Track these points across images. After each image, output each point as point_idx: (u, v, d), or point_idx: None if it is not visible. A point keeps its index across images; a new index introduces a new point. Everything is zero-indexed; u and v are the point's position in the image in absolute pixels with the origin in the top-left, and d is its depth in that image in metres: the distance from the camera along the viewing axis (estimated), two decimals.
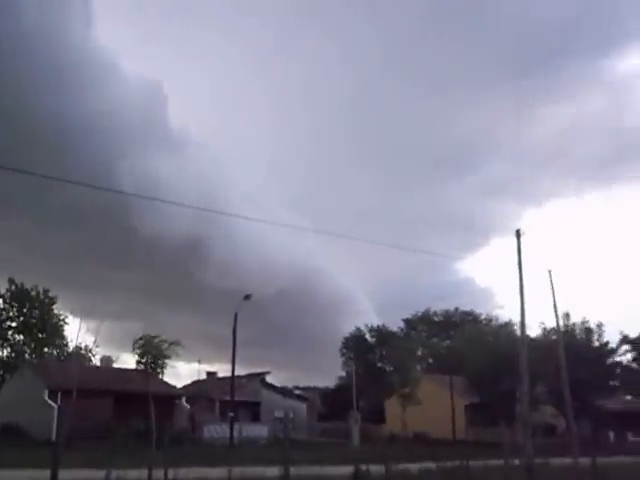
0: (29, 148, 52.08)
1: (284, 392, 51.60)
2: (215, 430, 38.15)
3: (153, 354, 33.95)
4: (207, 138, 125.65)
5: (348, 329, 60.63)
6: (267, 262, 66.72)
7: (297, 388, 61.05)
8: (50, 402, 33.98)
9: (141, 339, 34.19)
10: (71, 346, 47.65)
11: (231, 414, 35.77)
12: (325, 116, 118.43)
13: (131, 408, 34.72)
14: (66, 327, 49.66)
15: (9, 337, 47.85)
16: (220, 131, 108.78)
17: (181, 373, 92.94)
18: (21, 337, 48.17)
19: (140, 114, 69.27)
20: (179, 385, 46.38)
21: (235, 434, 35.43)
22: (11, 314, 48.31)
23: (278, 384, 53.18)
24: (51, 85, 59.08)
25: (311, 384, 70.78)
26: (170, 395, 39.92)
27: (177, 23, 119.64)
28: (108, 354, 44.82)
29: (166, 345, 33.97)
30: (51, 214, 65.71)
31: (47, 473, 9.67)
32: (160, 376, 37.47)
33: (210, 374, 54.09)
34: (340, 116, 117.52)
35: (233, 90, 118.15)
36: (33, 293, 48.57)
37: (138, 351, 34.20)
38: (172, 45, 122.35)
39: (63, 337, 49.34)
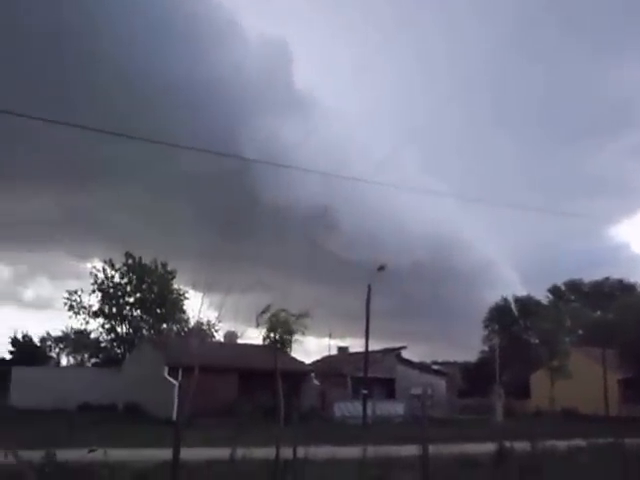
0: (146, 115, 54.46)
1: (421, 367, 51.20)
2: (347, 408, 38.62)
3: (280, 329, 34.22)
4: (335, 101, 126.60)
5: (490, 300, 59.11)
6: (402, 231, 67.36)
7: (435, 363, 60.66)
8: (170, 379, 35.24)
9: (265, 312, 34.52)
10: (192, 321, 49.33)
11: (364, 391, 35.86)
12: (465, 78, 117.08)
13: (257, 385, 35.79)
14: (186, 302, 51.64)
15: (127, 313, 50.00)
16: (349, 94, 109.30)
17: (310, 348, 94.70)
18: (139, 313, 50.27)
19: (263, 75, 71.14)
20: (308, 361, 47.22)
21: (368, 412, 35.43)
22: (129, 289, 50.39)
23: (415, 359, 52.88)
24: (168, 48, 61.51)
25: (450, 359, 70.32)
26: (299, 371, 40.88)
27: None
28: (232, 329, 45.99)
29: (294, 319, 34.13)
30: (170, 183, 68.94)
31: (169, 452, 9.75)
32: (288, 351, 37.91)
33: (341, 349, 55.07)
34: (482, 77, 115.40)
35: (363, 50, 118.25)
36: (151, 267, 50.41)
37: (264, 326, 34.58)
38: (296, 5, 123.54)
39: (183, 312, 51.17)
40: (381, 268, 36.20)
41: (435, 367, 56.22)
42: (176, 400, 34.17)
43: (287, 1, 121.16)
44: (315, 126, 76.67)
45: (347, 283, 57.20)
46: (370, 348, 37.86)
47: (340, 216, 65.35)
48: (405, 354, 50.92)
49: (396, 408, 41.58)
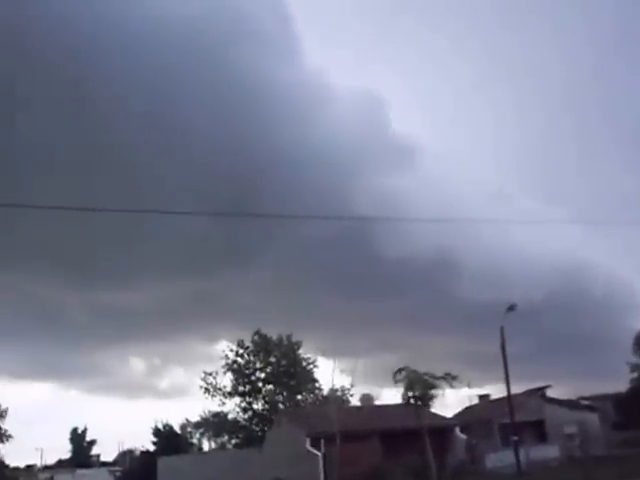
0: (256, 186, 56.18)
1: (570, 405, 48.64)
2: (498, 458, 37.12)
3: (419, 386, 33.84)
4: (438, 143, 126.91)
5: (634, 324, 55.78)
6: (528, 265, 65.69)
7: (583, 398, 57.15)
8: (314, 451, 35.02)
9: (402, 371, 34.29)
10: (325, 389, 49.27)
11: (514, 437, 34.41)
12: (561, 98, 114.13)
13: (401, 446, 34.99)
14: (317, 370, 51.88)
15: (260, 389, 50.54)
16: (449, 133, 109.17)
17: (448, 401, 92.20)
18: (271, 387, 50.70)
19: (363, 129, 71.56)
20: (449, 414, 45.65)
21: (521, 459, 33.85)
22: (258, 365, 51.09)
23: (561, 397, 50.24)
24: (268, 118, 63.63)
25: (598, 392, 66.03)
26: (442, 426, 39.76)
27: (372, 27, 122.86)
28: (367, 392, 45.66)
29: (434, 380, 33.82)
30: (291, 253, 70.10)
31: None
32: (428, 408, 37.21)
33: (482, 397, 53.30)
34: (584, 93, 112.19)
35: (456, 87, 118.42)
36: (276, 340, 51.08)
37: (401, 384, 34.27)
38: (380, 53, 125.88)
39: (315, 381, 51.16)
40: (511, 308, 35.07)
41: (584, 402, 53.35)
42: (322, 471, 34.10)
43: (368, 52, 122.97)
44: (422, 171, 76.52)
45: (479, 328, 55.59)
46: (512, 392, 36.47)
47: (462, 259, 64.40)
48: (550, 393, 48.89)
49: (550, 451, 39.78)
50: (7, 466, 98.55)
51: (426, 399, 34.77)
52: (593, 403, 53.35)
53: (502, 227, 47.20)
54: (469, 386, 53.70)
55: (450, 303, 66.41)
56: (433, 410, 39.19)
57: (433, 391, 34.35)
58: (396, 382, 34.67)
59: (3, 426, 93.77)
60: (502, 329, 34.83)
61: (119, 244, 65.43)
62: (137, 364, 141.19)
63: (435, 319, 72.30)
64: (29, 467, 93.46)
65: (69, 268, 77.57)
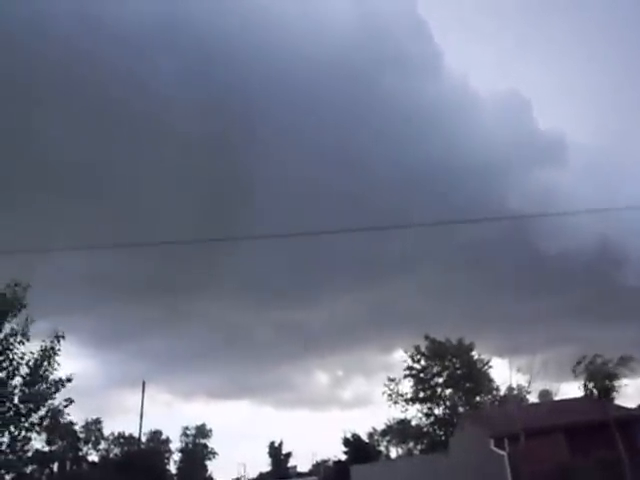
0: (412, 197, 57.01)
1: None
2: None
3: (600, 377, 33.00)
4: (583, 135, 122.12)
5: None
6: None
7: None
8: (498, 451, 34.91)
9: (580, 363, 33.64)
10: (502, 389, 48.78)
11: None
12: None
13: (587, 441, 33.92)
14: (492, 370, 51.45)
15: (440, 394, 50.84)
16: (593, 124, 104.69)
17: (628, 391, 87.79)
18: (449, 391, 50.88)
19: (510, 130, 71.06)
20: (631, 405, 43.60)
21: None
22: (435, 370, 51.50)
23: None
24: (419, 133, 65.02)
25: None
26: (628, 418, 37.73)
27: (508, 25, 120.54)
28: (545, 388, 44.72)
29: (613, 364, 32.80)
30: (455, 258, 70.51)
31: None
32: (611, 399, 36.00)
33: None
34: None
35: (598, 77, 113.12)
36: (447, 344, 51.33)
37: (581, 377, 33.63)
38: (515, 49, 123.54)
39: (491, 381, 50.80)
40: None
41: None
42: (509, 471, 33.71)
43: (507, 51, 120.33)
44: (570, 166, 74.55)
45: None
46: None
47: (624, 245, 61.60)
48: None
49: None
50: None
51: (608, 390, 33.69)
52: None
53: None
54: None
55: (620, 291, 63.43)
56: (616, 401, 37.72)
57: (614, 381, 33.24)
58: (576, 375, 33.95)
59: (209, 444, 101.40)
60: None
61: (296, 265, 68.99)
62: (321, 377, 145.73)
63: (607, 308, 69.64)
64: None
65: (255, 292, 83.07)
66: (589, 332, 70.04)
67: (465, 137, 66.89)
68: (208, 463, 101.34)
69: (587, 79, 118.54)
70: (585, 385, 34.02)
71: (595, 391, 33.88)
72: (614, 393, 34.63)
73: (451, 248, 65.60)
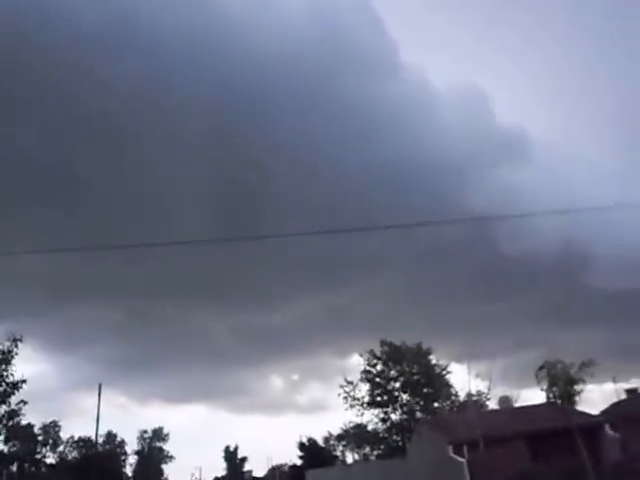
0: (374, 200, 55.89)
1: None
2: None
3: (562, 382, 32.08)
4: (544, 134, 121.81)
5: None
6: None
7: None
8: (457, 458, 34.15)
9: (543, 368, 32.67)
10: (462, 394, 47.92)
11: None
12: None
13: (549, 448, 33.61)
14: (451, 376, 50.39)
15: (397, 398, 49.77)
16: (551, 120, 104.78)
17: (591, 398, 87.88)
18: (407, 396, 49.88)
19: (468, 125, 69.94)
20: (594, 412, 43.01)
21: None
22: (391, 375, 50.40)
23: None
24: (375, 131, 63.49)
25: None
26: (590, 425, 37.12)
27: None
28: (505, 394, 43.97)
29: (575, 369, 31.92)
30: (417, 261, 69.34)
31: None
32: (573, 405, 35.20)
33: (630, 391, 49.77)
34: None
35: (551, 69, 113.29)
36: (403, 348, 50.31)
37: (543, 383, 32.66)
38: (472, 42, 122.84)
39: (450, 387, 49.89)
40: None
41: None
42: (468, 478, 32.91)
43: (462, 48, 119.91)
44: (533, 164, 74.03)
45: (619, 319, 52.34)
46: None
47: (592, 248, 61.04)
48: None
49: None
50: None
51: (570, 395, 32.81)
52: None
53: (630, 210, 43.82)
54: (614, 380, 50.59)
55: (584, 295, 63.07)
56: (579, 408, 36.99)
57: (577, 387, 32.37)
58: (539, 380, 32.96)
59: (165, 448, 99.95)
60: None
61: (254, 268, 67.42)
62: (277, 381, 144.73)
63: (570, 312, 68.68)
64: None
65: (214, 295, 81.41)
66: (552, 336, 69.23)
67: (425, 134, 65.96)
68: (164, 466, 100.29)
69: (549, 72, 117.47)
70: (547, 391, 33.09)
71: (557, 397, 32.95)
72: (577, 399, 33.78)
73: (413, 250, 64.57)
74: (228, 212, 65.39)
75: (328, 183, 62.09)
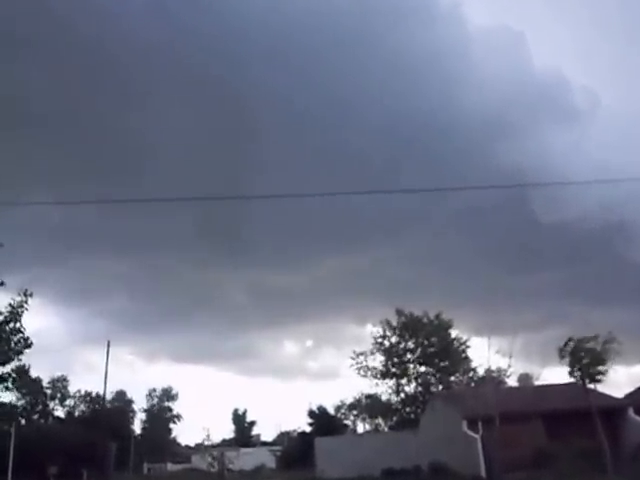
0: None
1: None
2: None
3: (586, 361, 30.87)
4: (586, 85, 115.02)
5: None
6: None
7: None
8: (471, 433, 33.85)
9: (567, 344, 31.41)
10: (480, 370, 46.94)
11: None
12: None
13: (567, 428, 32.72)
14: (471, 349, 49.53)
15: (412, 371, 48.96)
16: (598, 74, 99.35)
17: (618, 380, 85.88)
18: (423, 369, 49.01)
19: (505, 74, 66.17)
20: (618, 394, 41.80)
21: None
22: (408, 346, 49.46)
23: None
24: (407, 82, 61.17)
25: None
26: (613, 407, 36.28)
27: None
28: (526, 371, 42.75)
29: (600, 346, 30.67)
30: (442, 223, 67.21)
31: None
32: (594, 386, 34.03)
33: None
34: None
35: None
36: (423, 319, 49.24)
37: (566, 360, 31.44)
38: None
39: (469, 361, 48.89)
40: None
41: None
42: (481, 455, 32.58)
43: None
44: (580, 125, 70.40)
45: None
46: None
47: (633, 219, 58.48)
48: None
49: None
50: (179, 444, 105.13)
51: (594, 374, 31.57)
52: None
53: None
54: None
55: (621, 270, 60.08)
56: (601, 390, 35.86)
57: (602, 367, 31.13)
58: (562, 357, 31.73)
59: (174, 408, 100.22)
60: None
61: (277, 225, 65.95)
62: (290, 346, 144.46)
63: (604, 288, 65.28)
64: (198, 445, 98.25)
65: (231, 251, 79.99)
66: (581, 313, 66.78)
67: (459, 84, 62.34)
68: (173, 426, 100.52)
69: (593, 15, 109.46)
70: (570, 369, 31.89)
71: (581, 376, 31.75)
72: (601, 379, 32.48)
73: (441, 213, 62.31)
74: (248, 166, 63.82)
75: (354, 137, 59.78)
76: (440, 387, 48.03)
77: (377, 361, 50.52)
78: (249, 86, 58.81)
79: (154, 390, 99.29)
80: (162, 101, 60.20)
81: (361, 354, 50.95)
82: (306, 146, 64.37)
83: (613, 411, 35.56)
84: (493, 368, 41.25)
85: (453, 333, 49.86)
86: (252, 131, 62.40)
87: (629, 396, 43.68)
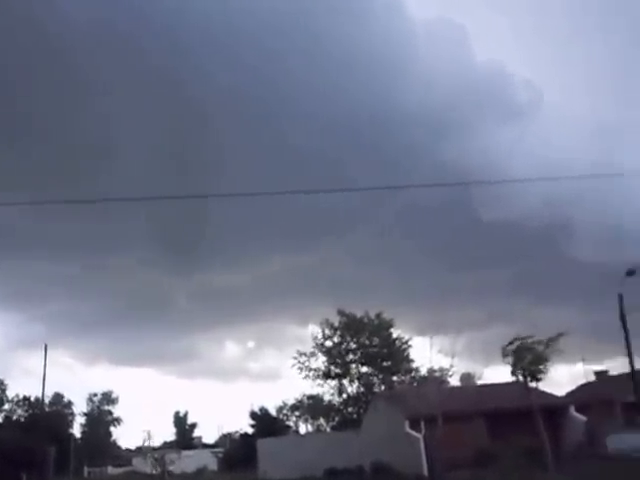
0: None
1: None
2: (622, 441, 33.07)
3: (529, 359, 30.71)
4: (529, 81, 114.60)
5: None
6: None
7: None
8: (413, 433, 33.82)
9: (511, 344, 31.21)
10: (423, 369, 46.91)
11: None
12: None
13: (509, 427, 32.57)
14: (413, 349, 49.71)
15: (353, 371, 48.82)
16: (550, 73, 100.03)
17: (560, 379, 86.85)
18: (365, 369, 48.90)
19: (448, 71, 65.41)
20: (560, 393, 42.03)
21: None
22: (350, 346, 49.34)
23: None
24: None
25: None
26: (555, 406, 36.65)
27: None
28: (468, 371, 42.67)
29: (543, 345, 30.52)
30: (388, 221, 66.65)
31: None
32: (536, 385, 33.97)
33: (599, 374, 48.85)
34: None
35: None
36: (364, 319, 49.22)
37: (510, 359, 31.25)
38: None
39: (410, 361, 48.80)
40: (630, 273, 30.80)
41: None
42: (423, 454, 32.44)
43: None
44: (522, 122, 70.59)
45: (597, 296, 50.02)
46: (637, 367, 32.35)
47: (576, 218, 58.74)
48: None
49: None
50: (119, 447, 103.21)
51: (536, 373, 31.45)
52: None
53: (615, 169, 41.31)
54: (584, 361, 49.42)
55: (564, 268, 60.64)
56: (544, 388, 35.89)
57: (543, 365, 31.02)
58: (505, 356, 31.55)
59: (114, 411, 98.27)
60: (621, 297, 30.59)
61: (219, 224, 64.38)
62: (231, 347, 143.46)
63: (547, 286, 66.80)
64: (139, 448, 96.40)
65: (174, 254, 78.14)
66: (524, 311, 66.79)
67: (404, 79, 61.63)
68: (113, 429, 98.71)
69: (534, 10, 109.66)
70: (513, 368, 31.75)
71: (523, 375, 31.62)
72: (542, 377, 32.40)
73: (388, 211, 61.70)
74: (193, 165, 62.26)
75: (297, 136, 58.71)
76: (382, 387, 48.00)
77: (319, 362, 50.59)
78: (196, 80, 57.41)
79: (95, 394, 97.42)
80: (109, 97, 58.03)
81: (303, 355, 50.70)
82: (254, 144, 63.11)
83: (555, 409, 35.82)
84: (435, 368, 41.07)
85: (395, 333, 50.26)
86: (201, 130, 60.96)
87: (571, 394, 44.15)
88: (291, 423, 76.86)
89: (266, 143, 62.70)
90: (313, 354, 50.41)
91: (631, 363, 31.01)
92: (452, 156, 54.89)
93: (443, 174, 46.14)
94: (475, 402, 35.26)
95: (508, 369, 31.99)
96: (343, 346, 49.69)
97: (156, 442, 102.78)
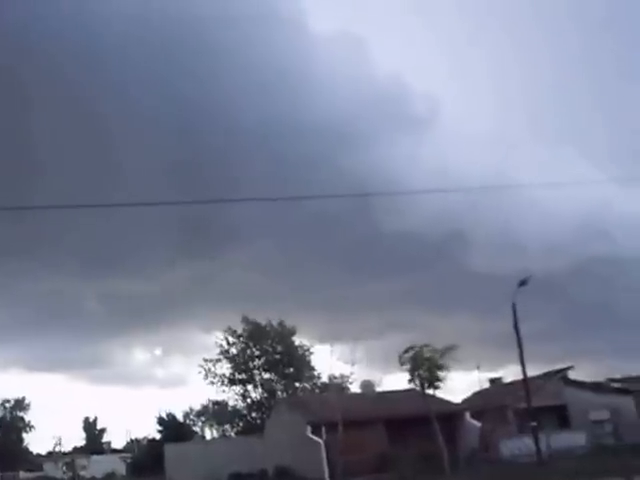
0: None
1: (596, 388, 44.93)
2: (515, 445, 34.23)
3: (426, 367, 31.28)
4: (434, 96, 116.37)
5: None
6: (550, 231, 59.98)
7: (613, 380, 53.22)
8: (315, 438, 33.80)
9: (408, 352, 31.74)
10: (324, 376, 47.51)
11: (533, 423, 31.29)
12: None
13: (408, 433, 33.51)
14: (315, 356, 50.65)
15: (257, 377, 49.09)
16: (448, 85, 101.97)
17: (456, 386, 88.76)
18: (268, 375, 49.21)
19: (348, 83, 66.26)
20: (457, 400, 42.98)
21: (542, 447, 30.96)
22: (253, 353, 49.71)
23: (587, 379, 46.58)
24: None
25: (633, 373, 60.50)
26: (451, 412, 37.39)
27: None
28: (368, 378, 43.25)
29: (439, 354, 31.15)
30: (288, 231, 66.61)
31: None
32: (433, 392, 34.66)
33: (494, 381, 50.02)
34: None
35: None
36: (267, 327, 50.12)
37: (407, 367, 31.78)
38: None
39: (312, 368, 49.48)
40: (523, 283, 31.71)
41: (615, 385, 49.51)
42: (325, 459, 32.70)
43: None
44: (421, 133, 72.02)
45: (493, 305, 51.32)
46: (529, 374, 33.35)
47: (471, 228, 60.11)
48: (573, 375, 45.31)
49: (574, 439, 36.66)
50: (31, 453, 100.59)
51: (433, 380, 32.11)
52: (627, 386, 49.22)
53: (516, 192, 42.65)
54: (479, 369, 50.68)
55: (460, 278, 61.66)
56: (441, 395, 36.62)
57: (439, 373, 31.68)
58: (402, 364, 32.10)
59: (26, 417, 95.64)
60: (514, 306, 31.41)
61: (124, 232, 63.14)
62: (139, 354, 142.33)
63: (443, 296, 66.19)
64: (50, 454, 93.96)
65: (83, 261, 76.15)
66: (422, 320, 68.02)
67: (306, 91, 61.97)
68: (25, 435, 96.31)
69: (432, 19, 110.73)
70: (410, 376, 32.33)
71: (420, 382, 32.23)
72: (440, 385, 33.08)
73: (292, 220, 61.61)
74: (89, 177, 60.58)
75: (203, 143, 58.24)
76: (285, 393, 48.59)
77: (224, 368, 50.74)
78: (101, 90, 56.29)
79: (8, 401, 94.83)
80: None
81: (209, 361, 50.64)
82: (158, 156, 62.18)
83: (451, 416, 36.48)
84: (336, 375, 41.51)
85: (297, 340, 51.05)
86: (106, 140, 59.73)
87: (466, 401, 45.11)
88: (197, 429, 76.88)
89: (175, 156, 61.92)
90: (218, 360, 50.52)
91: (524, 371, 32.01)
92: (352, 167, 55.34)
93: (344, 185, 46.37)
94: (375, 408, 35.85)
95: (406, 376, 32.56)
96: (247, 353, 50.12)
97: (66, 447, 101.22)
